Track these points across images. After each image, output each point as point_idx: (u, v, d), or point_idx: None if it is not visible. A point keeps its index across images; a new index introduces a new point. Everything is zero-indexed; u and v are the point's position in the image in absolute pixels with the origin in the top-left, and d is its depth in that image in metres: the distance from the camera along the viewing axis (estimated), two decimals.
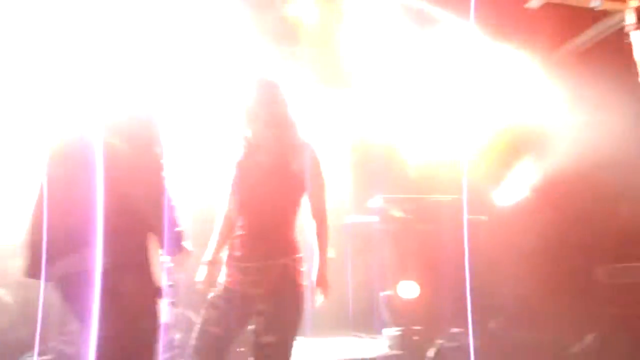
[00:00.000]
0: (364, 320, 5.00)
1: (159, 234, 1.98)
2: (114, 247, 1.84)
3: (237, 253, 2.44)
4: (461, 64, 4.64)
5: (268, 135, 2.46)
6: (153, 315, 1.96)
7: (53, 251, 1.85)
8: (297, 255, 2.43)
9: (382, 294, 4.86)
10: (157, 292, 1.98)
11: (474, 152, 4.64)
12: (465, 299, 2.87)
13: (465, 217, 2.89)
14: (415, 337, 4.47)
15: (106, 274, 1.81)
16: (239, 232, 2.47)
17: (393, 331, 4.64)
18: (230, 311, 2.35)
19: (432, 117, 5.25)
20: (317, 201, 2.47)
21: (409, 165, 5.16)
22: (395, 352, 4.37)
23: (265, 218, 2.42)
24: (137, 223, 1.94)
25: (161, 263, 2.14)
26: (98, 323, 1.80)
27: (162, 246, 1.99)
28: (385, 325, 4.82)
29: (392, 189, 5.12)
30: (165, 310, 2.17)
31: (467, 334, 2.87)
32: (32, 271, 1.92)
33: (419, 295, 4.74)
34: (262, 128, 2.46)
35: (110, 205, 1.84)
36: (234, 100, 2.54)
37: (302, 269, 2.44)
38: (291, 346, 2.33)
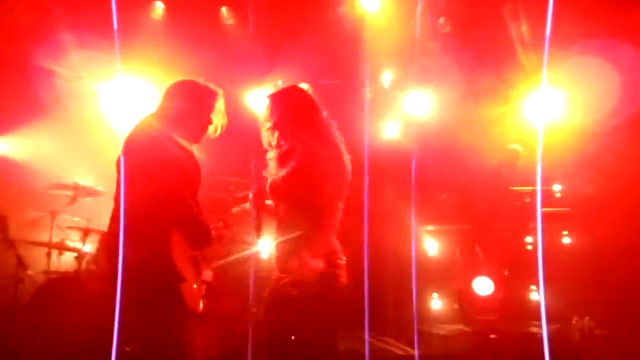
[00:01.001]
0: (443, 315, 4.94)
1: (184, 231, 2.16)
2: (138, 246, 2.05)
3: None
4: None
5: None
6: (175, 299, 2.12)
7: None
8: None
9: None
10: (177, 277, 2.13)
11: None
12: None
13: (539, 209, 2.77)
14: (492, 335, 4.34)
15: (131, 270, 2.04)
16: None
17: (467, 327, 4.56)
18: None
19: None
20: None
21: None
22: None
23: None
24: (158, 223, 2.12)
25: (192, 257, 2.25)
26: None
27: (189, 242, 2.17)
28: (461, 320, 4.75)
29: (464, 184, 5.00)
30: (199, 302, 2.21)
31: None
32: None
33: (494, 291, 4.59)
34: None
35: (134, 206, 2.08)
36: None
37: None
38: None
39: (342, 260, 2.35)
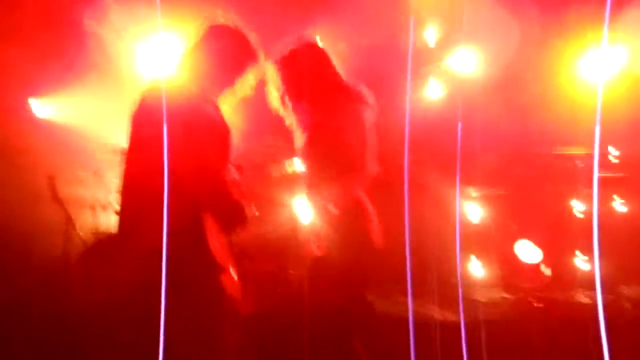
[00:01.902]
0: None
1: (215, 212, 1.94)
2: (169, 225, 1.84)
3: None
4: None
5: None
6: (212, 288, 1.95)
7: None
8: None
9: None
10: (215, 266, 1.95)
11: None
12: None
13: (596, 174, 2.62)
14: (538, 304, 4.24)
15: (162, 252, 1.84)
16: None
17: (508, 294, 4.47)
18: None
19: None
20: None
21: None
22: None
23: None
24: (187, 202, 1.90)
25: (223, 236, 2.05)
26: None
27: (221, 222, 1.96)
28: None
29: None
30: (231, 284, 2.01)
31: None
32: None
33: (540, 258, 4.46)
34: None
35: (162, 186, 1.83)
36: None
37: None
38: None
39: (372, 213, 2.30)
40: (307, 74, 2.31)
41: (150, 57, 4.37)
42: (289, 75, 2.33)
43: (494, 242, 4.78)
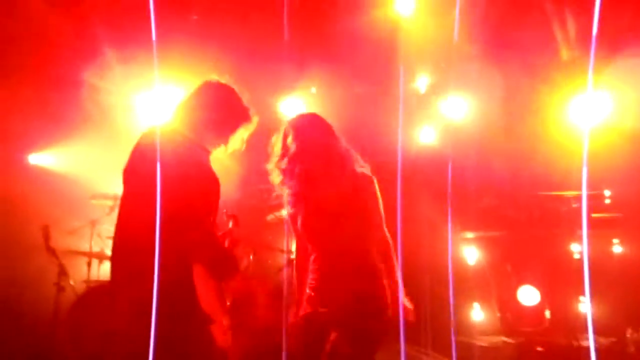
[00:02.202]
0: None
1: (205, 262, 1.90)
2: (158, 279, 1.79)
3: None
4: None
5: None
6: (202, 342, 1.89)
7: None
8: None
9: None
10: (204, 319, 1.90)
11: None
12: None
13: (585, 214, 2.63)
14: (539, 348, 4.17)
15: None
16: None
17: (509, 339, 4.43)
18: None
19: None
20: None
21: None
22: None
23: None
24: (176, 253, 1.87)
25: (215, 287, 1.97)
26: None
27: (212, 272, 1.91)
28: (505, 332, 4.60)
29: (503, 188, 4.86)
30: (222, 336, 1.93)
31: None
32: None
33: (540, 301, 4.42)
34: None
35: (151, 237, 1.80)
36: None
37: None
38: None
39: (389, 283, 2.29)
40: (316, 142, 2.33)
41: (146, 109, 4.50)
42: (299, 141, 2.33)
43: (492, 285, 4.75)
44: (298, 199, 2.37)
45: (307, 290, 2.35)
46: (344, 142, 2.41)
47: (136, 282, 1.83)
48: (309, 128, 2.37)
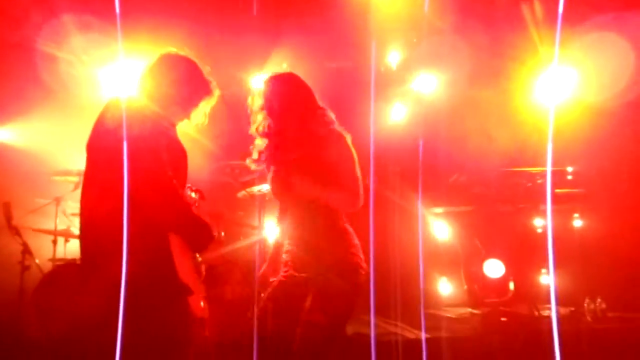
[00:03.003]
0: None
1: (181, 232, 1.93)
2: (132, 250, 1.82)
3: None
4: None
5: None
6: (181, 312, 1.93)
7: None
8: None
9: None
10: (183, 289, 1.93)
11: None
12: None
13: (549, 190, 2.75)
14: (503, 318, 4.36)
15: (129, 277, 1.81)
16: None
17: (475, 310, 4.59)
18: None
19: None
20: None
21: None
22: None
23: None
24: (153, 225, 1.89)
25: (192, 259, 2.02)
26: (127, 324, 1.79)
27: (189, 243, 1.95)
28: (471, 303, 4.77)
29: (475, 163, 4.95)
30: (199, 306, 1.97)
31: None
32: None
33: (504, 274, 4.59)
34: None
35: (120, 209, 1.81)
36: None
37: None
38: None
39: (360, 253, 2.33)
40: (293, 99, 2.35)
41: (110, 82, 4.39)
42: (276, 97, 2.37)
43: (459, 259, 4.89)
44: (273, 156, 2.40)
45: (283, 256, 2.39)
46: (319, 102, 2.43)
47: (110, 259, 1.83)
48: (285, 85, 2.39)
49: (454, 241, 4.90)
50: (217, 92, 2.20)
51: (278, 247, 2.51)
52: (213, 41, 4.46)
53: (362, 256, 2.32)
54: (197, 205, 2.14)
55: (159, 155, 1.91)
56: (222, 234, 4.38)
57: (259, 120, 2.42)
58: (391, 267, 4.12)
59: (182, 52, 2.16)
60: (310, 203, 2.29)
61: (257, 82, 4.95)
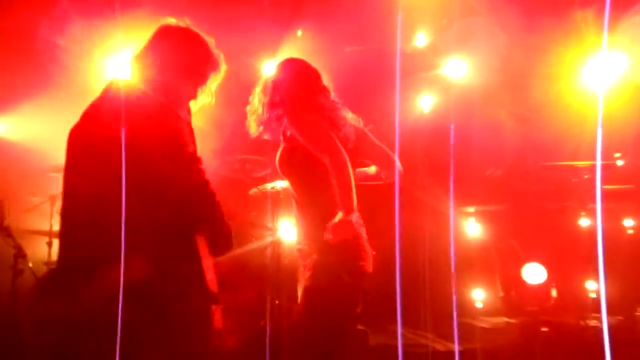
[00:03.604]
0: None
1: (208, 232, 1.88)
2: (154, 250, 1.77)
3: None
4: None
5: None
6: (205, 323, 1.87)
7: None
8: None
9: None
10: (210, 297, 1.88)
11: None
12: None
13: (599, 186, 2.70)
14: (544, 329, 4.31)
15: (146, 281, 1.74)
16: None
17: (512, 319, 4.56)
18: None
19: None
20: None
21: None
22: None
23: None
24: (179, 222, 1.83)
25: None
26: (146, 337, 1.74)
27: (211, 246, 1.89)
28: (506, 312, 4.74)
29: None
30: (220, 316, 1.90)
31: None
32: None
33: (546, 279, 4.53)
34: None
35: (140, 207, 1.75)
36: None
37: None
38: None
39: (367, 246, 2.37)
40: (301, 86, 2.43)
41: (114, 72, 4.39)
42: (283, 83, 2.46)
43: (495, 263, 4.86)
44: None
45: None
46: (331, 95, 2.50)
47: (117, 260, 1.79)
48: (293, 75, 2.48)
49: (489, 243, 4.88)
50: (224, 67, 2.11)
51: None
52: (222, 24, 4.49)
53: (370, 255, 2.34)
54: None
55: (185, 142, 1.85)
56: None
57: (260, 104, 2.50)
58: (419, 272, 4.12)
59: (182, 23, 2.07)
60: (312, 185, 2.36)
61: (271, 67, 5.04)
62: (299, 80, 2.48)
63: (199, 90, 2.06)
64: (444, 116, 4.81)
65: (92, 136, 1.88)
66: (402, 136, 2.93)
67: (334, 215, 2.28)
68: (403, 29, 4.82)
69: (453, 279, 3.55)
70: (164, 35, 2.03)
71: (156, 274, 1.75)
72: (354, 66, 4.71)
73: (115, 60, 4.39)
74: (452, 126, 3.81)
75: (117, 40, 4.18)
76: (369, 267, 2.35)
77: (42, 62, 4.42)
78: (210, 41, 2.10)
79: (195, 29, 2.08)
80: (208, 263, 1.89)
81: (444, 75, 5.14)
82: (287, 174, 2.50)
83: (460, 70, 5.08)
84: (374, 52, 4.91)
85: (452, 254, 3.51)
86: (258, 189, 4.20)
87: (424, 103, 5.29)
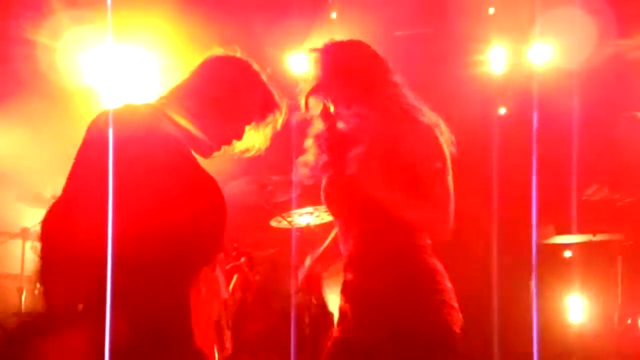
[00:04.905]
0: None
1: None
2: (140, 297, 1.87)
3: None
4: None
5: None
6: None
7: None
8: None
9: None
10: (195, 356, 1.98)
11: None
12: None
13: None
14: None
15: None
16: None
17: None
18: None
19: None
20: None
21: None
22: None
23: None
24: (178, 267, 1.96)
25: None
26: None
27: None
28: None
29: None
30: None
31: None
32: None
33: None
34: None
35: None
36: None
37: None
38: None
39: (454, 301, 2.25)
40: (358, 72, 2.34)
41: (93, 70, 4.48)
42: (333, 69, 2.36)
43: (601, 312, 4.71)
44: (331, 151, 2.34)
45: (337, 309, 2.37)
46: (399, 79, 2.37)
47: (101, 311, 1.84)
48: (349, 59, 2.36)
49: (593, 283, 4.66)
50: (284, 109, 2.26)
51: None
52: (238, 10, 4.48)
53: (457, 308, 2.23)
54: (242, 273, 2.20)
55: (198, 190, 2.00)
56: (257, 278, 4.37)
57: (310, 101, 2.38)
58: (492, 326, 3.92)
59: (232, 53, 2.24)
60: (381, 220, 2.22)
61: (297, 62, 5.06)
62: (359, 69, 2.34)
63: (243, 132, 2.23)
64: (523, 117, 4.61)
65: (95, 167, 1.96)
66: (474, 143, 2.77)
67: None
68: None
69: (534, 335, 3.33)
70: (212, 67, 2.22)
71: (136, 323, 1.85)
72: (406, 54, 4.64)
73: (91, 56, 4.47)
74: (534, 135, 3.66)
75: (97, 32, 4.23)
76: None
77: (9, 59, 4.47)
78: (265, 73, 2.24)
79: (250, 61, 2.22)
80: (202, 314, 2.00)
81: (528, 66, 5.06)
82: (342, 212, 2.37)
83: (542, 55, 5.02)
84: (430, 37, 4.93)
85: (534, 308, 3.34)
86: (282, 217, 4.16)
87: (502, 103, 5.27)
